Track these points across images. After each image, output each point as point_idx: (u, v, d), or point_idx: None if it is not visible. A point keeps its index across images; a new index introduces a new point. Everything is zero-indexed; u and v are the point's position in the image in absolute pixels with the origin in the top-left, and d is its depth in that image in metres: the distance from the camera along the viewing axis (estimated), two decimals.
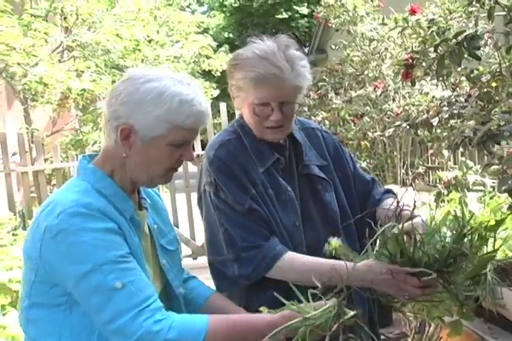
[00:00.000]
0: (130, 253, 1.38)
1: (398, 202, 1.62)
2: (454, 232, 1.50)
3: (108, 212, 1.38)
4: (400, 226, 1.53)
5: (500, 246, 1.60)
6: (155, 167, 1.46)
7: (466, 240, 1.48)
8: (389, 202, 1.73)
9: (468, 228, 1.49)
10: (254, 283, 1.71)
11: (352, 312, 1.32)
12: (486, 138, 2.27)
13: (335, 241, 1.49)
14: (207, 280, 1.81)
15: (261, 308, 1.42)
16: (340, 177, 1.90)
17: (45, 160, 7.26)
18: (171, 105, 1.39)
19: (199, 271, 1.80)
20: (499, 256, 1.99)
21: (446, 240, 1.50)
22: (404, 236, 1.51)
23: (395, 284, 1.50)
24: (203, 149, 6.56)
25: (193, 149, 6.10)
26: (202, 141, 6.81)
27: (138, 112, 1.40)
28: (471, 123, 2.23)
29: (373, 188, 1.96)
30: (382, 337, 2.76)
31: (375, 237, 1.50)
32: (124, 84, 1.43)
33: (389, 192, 1.96)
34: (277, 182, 1.78)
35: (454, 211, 1.55)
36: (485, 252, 1.54)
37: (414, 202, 1.63)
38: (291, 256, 1.69)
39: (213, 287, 1.80)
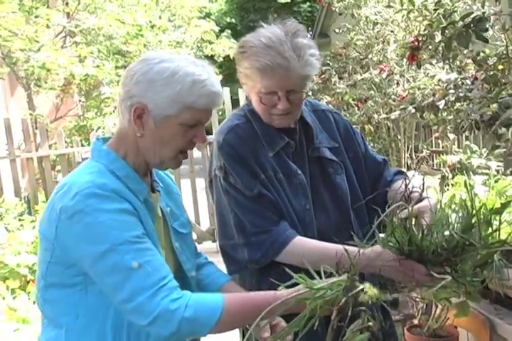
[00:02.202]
0: (145, 233, 1.39)
1: (407, 185, 1.62)
2: (463, 222, 1.48)
3: (123, 193, 1.39)
4: (409, 210, 1.52)
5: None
6: (167, 148, 1.47)
7: (474, 230, 1.46)
8: (399, 184, 1.73)
9: (476, 218, 1.47)
10: (265, 266, 1.72)
11: (362, 286, 1.29)
12: (493, 121, 2.27)
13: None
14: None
15: (279, 288, 1.41)
16: (351, 158, 1.89)
17: (50, 146, 7.27)
18: (183, 85, 1.40)
19: None
20: (505, 238, 2.00)
21: (455, 228, 1.48)
22: (413, 222, 1.50)
23: (402, 271, 1.50)
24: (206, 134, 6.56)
25: None
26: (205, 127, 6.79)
27: (151, 91, 1.41)
28: (479, 105, 2.22)
29: (385, 169, 1.95)
30: None
31: (377, 222, 1.47)
32: (140, 65, 1.44)
33: (400, 173, 1.95)
34: (287, 166, 1.78)
35: (463, 200, 1.52)
36: (493, 241, 1.54)
37: (423, 184, 1.63)
38: (300, 241, 1.70)
39: (224, 270, 1.81)
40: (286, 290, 1.37)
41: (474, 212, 1.47)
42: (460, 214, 1.50)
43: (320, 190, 1.82)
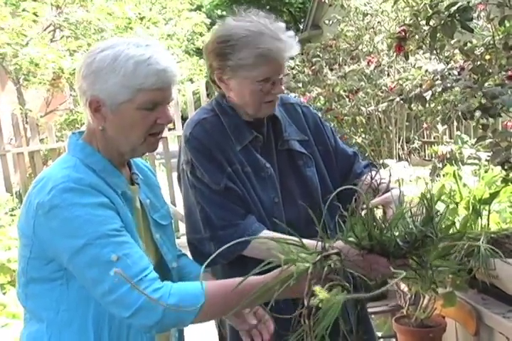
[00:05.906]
0: (123, 226, 1.39)
1: (372, 177, 1.62)
2: (423, 214, 1.48)
3: (99, 187, 1.39)
4: (373, 201, 1.53)
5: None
6: (132, 134, 1.45)
7: (433, 223, 1.46)
8: (368, 176, 1.73)
9: (436, 211, 1.47)
10: (234, 260, 1.71)
11: (336, 250, 1.32)
12: (479, 111, 2.26)
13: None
14: None
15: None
16: (321, 151, 1.90)
17: (40, 140, 7.24)
18: (126, 69, 1.38)
19: None
20: (493, 228, 2.00)
21: (416, 221, 1.48)
22: (376, 215, 1.49)
23: (365, 265, 1.49)
24: None
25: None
26: None
27: (98, 82, 1.39)
28: (463, 94, 2.22)
29: (355, 162, 1.96)
30: (378, 308, 2.80)
31: (337, 216, 1.49)
32: (84, 59, 1.43)
33: (370, 165, 1.96)
34: (255, 160, 1.78)
35: (421, 193, 1.52)
36: (451, 233, 1.54)
37: (390, 175, 1.63)
38: (266, 234, 1.69)
39: None
40: (267, 274, 1.36)
41: (433, 205, 1.47)
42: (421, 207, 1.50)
43: (289, 183, 1.82)
